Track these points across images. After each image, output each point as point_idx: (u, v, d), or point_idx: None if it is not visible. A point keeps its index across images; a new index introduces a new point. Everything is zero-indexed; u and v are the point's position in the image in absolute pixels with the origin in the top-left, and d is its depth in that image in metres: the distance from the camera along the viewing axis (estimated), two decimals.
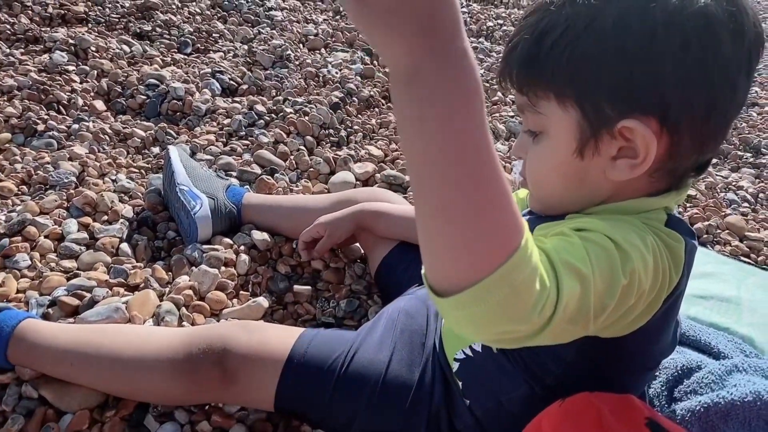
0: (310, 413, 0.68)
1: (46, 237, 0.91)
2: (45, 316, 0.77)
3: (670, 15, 0.45)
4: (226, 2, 2.05)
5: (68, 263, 0.88)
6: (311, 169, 1.24)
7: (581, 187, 0.52)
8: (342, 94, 1.55)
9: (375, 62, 1.83)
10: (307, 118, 1.37)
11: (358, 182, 1.22)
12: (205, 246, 0.93)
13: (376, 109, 1.60)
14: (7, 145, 1.18)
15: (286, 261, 0.98)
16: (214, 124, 1.36)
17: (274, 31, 1.90)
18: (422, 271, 0.38)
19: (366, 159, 1.31)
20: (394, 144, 1.41)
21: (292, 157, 1.27)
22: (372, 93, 1.62)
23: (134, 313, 0.77)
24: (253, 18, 1.99)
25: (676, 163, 0.50)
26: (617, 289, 0.42)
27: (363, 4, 0.29)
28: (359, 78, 1.68)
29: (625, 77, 0.46)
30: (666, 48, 0.45)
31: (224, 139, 1.31)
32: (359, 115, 1.54)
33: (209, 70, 1.57)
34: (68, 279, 0.84)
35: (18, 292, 0.82)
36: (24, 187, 1.06)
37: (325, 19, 2.16)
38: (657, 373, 0.72)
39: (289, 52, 1.73)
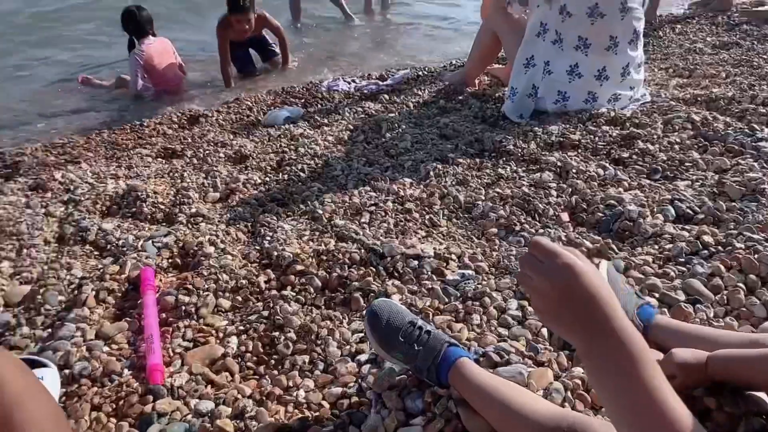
0: None
1: (494, 308, 1.26)
2: (476, 361, 1.09)
3: None
4: (710, 132, 2.10)
5: (502, 330, 1.20)
6: (743, 309, 1.19)
7: None
8: None
9: None
10: (756, 256, 1.31)
11: None
12: None
13: None
14: (494, 237, 1.64)
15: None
16: (656, 247, 1.47)
17: (755, 164, 1.83)
18: None
19: None
20: None
21: (725, 292, 1.25)
22: None
23: (531, 381, 1.00)
24: (736, 148, 1.97)
25: None
26: None
27: (538, 312, 0.50)
28: None
29: None
30: None
31: (660, 262, 1.40)
32: None
33: (669, 196, 1.68)
34: (498, 341, 1.15)
35: (467, 339, 1.18)
36: (493, 268, 1.46)
37: None
38: None
39: (764, 186, 1.65)
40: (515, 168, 2.05)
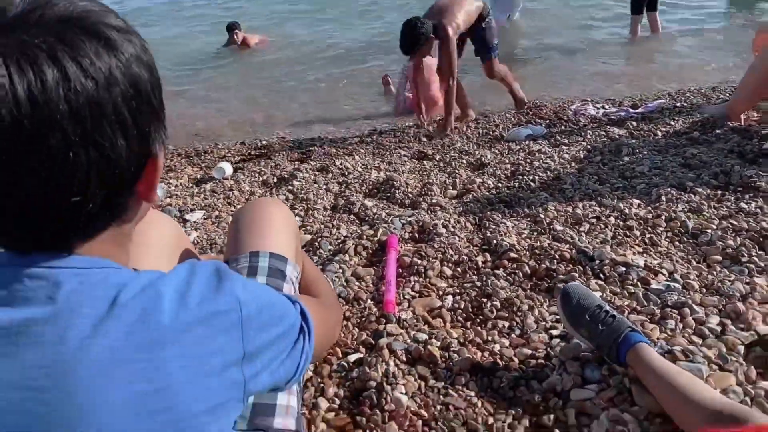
0: None
1: (692, 318, 1.31)
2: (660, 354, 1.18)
3: None
4: None
5: (696, 338, 1.25)
6: None
7: None
8: None
9: None
10: None
11: None
12: None
13: None
14: (715, 264, 1.62)
15: None
16: None
17: None
18: None
19: None
20: None
21: None
22: None
23: (710, 380, 1.07)
24: None
25: None
26: None
27: None
28: None
29: None
30: None
31: None
32: None
33: None
34: (688, 345, 1.21)
35: (656, 338, 1.27)
36: (704, 288, 1.48)
37: None
38: None
39: None
40: (761, 204, 1.94)
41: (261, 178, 3.06)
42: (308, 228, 2.24)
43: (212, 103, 5.53)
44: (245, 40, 7.52)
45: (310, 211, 2.42)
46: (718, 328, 1.28)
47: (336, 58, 6.76)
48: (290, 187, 2.78)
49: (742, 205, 1.95)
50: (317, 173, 3.02)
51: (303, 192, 2.68)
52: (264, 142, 3.96)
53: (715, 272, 1.57)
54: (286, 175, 3.00)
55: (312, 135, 4.10)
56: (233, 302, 0.56)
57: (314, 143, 3.78)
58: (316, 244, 2.02)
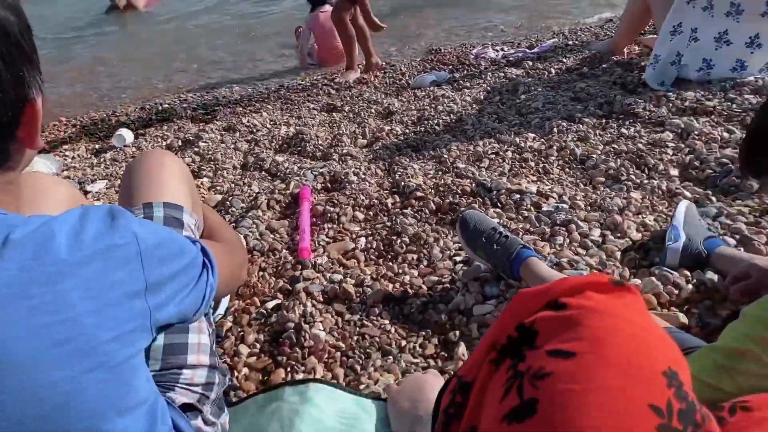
0: None
1: (578, 233, 1.46)
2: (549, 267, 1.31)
3: None
4: None
5: (581, 250, 1.39)
6: None
7: None
8: None
9: None
10: None
11: None
12: (666, 269, 1.24)
13: None
14: (599, 185, 1.79)
15: (728, 307, 1.14)
16: (756, 200, 1.52)
17: None
18: None
19: None
20: None
21: None
22: None
23: None
24: None
25: None
26: None
27: None
28: None
29: None
30: None
31: (756, 214, 1.46)
32: None
33: None
34: (574, 256, 1.35)
35: (547, 253, 1.40)
36: (588, 207, 1.63)
37: None
38: None
39: None
40: (639, 129, 2.13)
41: (165, 143, 2.95)
42: (218, 188, 2.21)
43: (103, 69, 5.17)
44: (129, 2, 7.02)
45: (219, 171, 2.38)
46: (600, 239, 1.44)
47: (234, 12, 6.48)
48: (196, 149, 2.71)
49: (623, 130, 2.13)
50: (224, 133, 2.95)
51: (210, 153, 2.63)
52: (165, 106, 3.79)
53: (598, 192, 1.73)
54: (191, 138, 2.91)
55: (216, 95, 3.96)
56: (130, 236, 0.58)
57: (219, 103, 3.67)
58: (228, 203, 2.01)
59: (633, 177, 1.77)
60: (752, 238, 1.33)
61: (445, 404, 0.58)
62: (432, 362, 1.18)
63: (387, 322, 1.29)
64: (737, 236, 1.36)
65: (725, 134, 1.94)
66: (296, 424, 0.89)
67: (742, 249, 1.30)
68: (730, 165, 1.69)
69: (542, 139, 2.17)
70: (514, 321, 0.54)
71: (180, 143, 2.89)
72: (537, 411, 0.44)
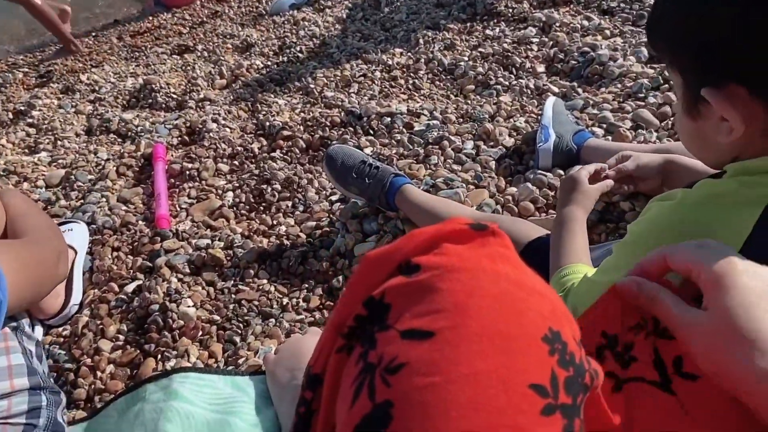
0: None
1: (451, 149, 1.39)
2: (427, 190, 1.24)
3: None
4: None
5: (456, 166, 1.33)
6: None
7: (705, 146, 0.56)
8: None
9: None
10: None
11: None
12: (540, 172, 1.20)
13: None
14: (470, 94, 1.72)
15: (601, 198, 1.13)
16: (619, 86, 1.52)
17: None
18: None
19: None
20: None
21: (672, 119, 1.31)
22: None
23: (467, 199, 1.15)
24: None
25: None
26: None
27: None
28: None
29: (696, 46, 0.50)
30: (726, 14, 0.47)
31: (620, 99, 1.46)
32: None
33: (645, 40, 1.69)
34: (450, 174, 1.29)
35: (423, 176, 1.32)
36: (460, 119, 1.56)
37: None
38: None
39: None
40: (503, 28, 2.07)
41: None
42: (60, 161, 1.91)
43: None
44: None
45: (60, 142, 2.06)
46: (473, 152, 1.38)
47: None
48: (30, 120, 2.33)
49: (488, 32, 2.06)
50: (61, 96, 2.56)
51: (47, 122, 2.27)
52: None
53: (470, 101, 1.67)
54: (22, 107, 2.49)
55: (48, 53, 3.43)
56: None
57: (55, 62, 3.18)
58: (72, 177, 1.74)
59: (501, 80, 1.72)
60: (617, 124, 1.32)
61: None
62: (318, 315, 1.09)
63: (265, 281, 1.18)
64: (604, 125, 1.35)
65: (584, 22, 1.93)
66: (161, 426, 0.77)
67: (609, 138, 1.30)
68: (592, 53, 1.68)
69: (409, 53, 2.05)
70: (361, 294, 0.41)
71: (11, 116, 2.48)
72: (392, 418, 0.33)
